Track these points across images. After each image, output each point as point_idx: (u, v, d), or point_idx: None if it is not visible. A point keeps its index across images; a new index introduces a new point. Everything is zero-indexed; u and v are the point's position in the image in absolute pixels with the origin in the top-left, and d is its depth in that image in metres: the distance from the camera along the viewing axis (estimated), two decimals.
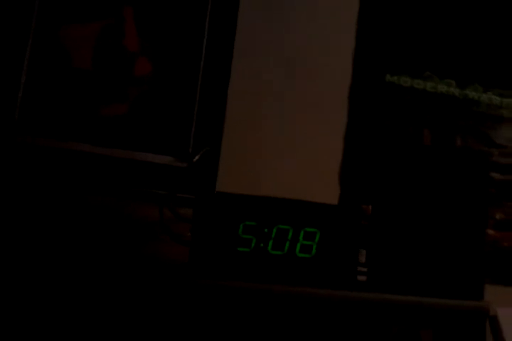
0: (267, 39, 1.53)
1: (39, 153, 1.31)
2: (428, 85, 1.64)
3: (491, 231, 1.66)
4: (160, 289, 0.99)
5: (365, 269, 1.08)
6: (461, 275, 1.03)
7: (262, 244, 1.09)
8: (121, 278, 1.00)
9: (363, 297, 0.98)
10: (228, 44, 1.50)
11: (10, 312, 0.86)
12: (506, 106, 1.70)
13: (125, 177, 1.36)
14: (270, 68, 1.53)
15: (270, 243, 1.09)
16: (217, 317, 1.03)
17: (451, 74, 1.66)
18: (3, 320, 0.85)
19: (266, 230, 1.09)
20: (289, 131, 1.53)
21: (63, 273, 0.93)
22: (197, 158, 1.26)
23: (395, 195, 1.30)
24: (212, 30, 1.49)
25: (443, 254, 1.05)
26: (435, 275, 1.04)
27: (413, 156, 1.55)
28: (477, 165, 1.19)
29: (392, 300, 0.97)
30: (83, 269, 0.98)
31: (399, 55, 1.63)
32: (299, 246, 1.10)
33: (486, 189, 1.11)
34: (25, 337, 0.88)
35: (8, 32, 1.32)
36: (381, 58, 1.61)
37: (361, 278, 1.08)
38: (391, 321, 0.96)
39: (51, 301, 0.90)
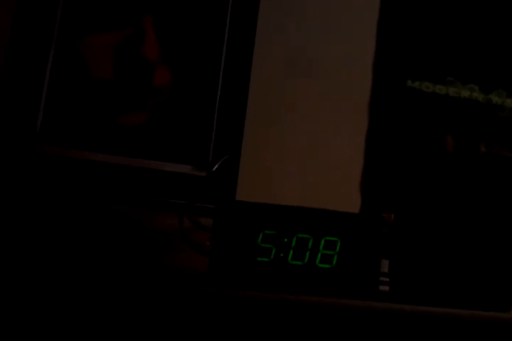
0: (285, 46, 1.52)
1: (59, 163, 1.32)
2: (450, 90, 1.61)
3: None
4: (179, 299, 0.98)
5: (387, 279, 1.05)
6: (488, 286, 1.00)
7: (281, 254, 1.07)
8: (141, 287, 1.00)
9: (386, 307, 0.96)
10: (247, 52, 1.50)
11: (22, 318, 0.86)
12: None
13: (144, 187, 1.36)
14: (290, 75, 1.52)
15: (290, 253, 1.08)
16: (238, 327, 1.01)
17: (474, 79, 1.63)
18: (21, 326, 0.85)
19: (286, 239, 1.08)
20: (310, 139, 1.52)
21: (83, 282, 0.93)
22: (216, 167, 1.25)
23: (417, 203, 1.28)
24: (232, 38, 1.49)
25: (468, 264, 1.03)
26: (460, 285, 1.01)
27: (436, 163, 1.52)
28: (503, 172, 1.16)
29: (415, 311, 0.95)
30: (104, 278, 0.98)
31: (420, 61, 1.61)
32: (319, 255, 1.08)
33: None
34: None
35: (31, 43, 1.33)
36: (402, 64, 1.59)
37: (384, 288, 1.06)
38: (414, 332, 0.94)
39: (69, 310, 0.89)
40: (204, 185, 1.37)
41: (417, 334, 0.93)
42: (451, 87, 1.61)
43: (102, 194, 1.31)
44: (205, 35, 1.47)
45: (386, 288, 1.04)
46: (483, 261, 1.03)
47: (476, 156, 1.57)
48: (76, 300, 0.90)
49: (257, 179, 1.44)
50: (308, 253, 1.08)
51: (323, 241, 1.08)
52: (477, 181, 1.39)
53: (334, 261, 1.07)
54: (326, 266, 1.07)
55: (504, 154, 1.61)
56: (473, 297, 1.00)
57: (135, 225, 1.32)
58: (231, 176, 1.41)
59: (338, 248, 1.08)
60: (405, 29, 1.60)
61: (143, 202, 1.34)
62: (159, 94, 1.43)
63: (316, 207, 1.11)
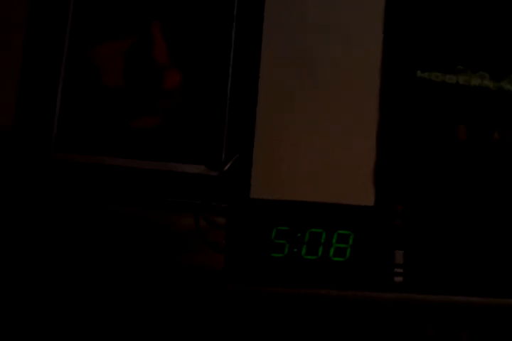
0: (292, 41, 1.53)
1: (75, 169, 1.35)
2: (461, 79, 1.60)
3: None
4: (196, 296, 1.00)
5: (401, 270, 1.06)
6: (503, 274, 1.00)
7: (295, 249, 1.09)
8: (159, 287, 1.02)
9: (400, 297, 0.96)
10: (255, 52, 1.51)
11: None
12: None
13: (159, 188, 1.39)
14: (298, 70, 1.53)
15: (304, 247, 1.09)
16: (256, 323, 1.03)
17: (484, 66, 1.62)
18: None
19: (299, 234, 1.09)
20: (321, 133, 1.53)
21: (100, 283, 0.95)
22: (228, 166, 1.27)
23: (431, 192, 1.28)
24: (239, 39, 1.50)
25: (483, 252, 1.03)
26: (476, 274, 1.01)
27: (450, 152, 1.52)
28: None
29: (430, 301, 0.95)
30: (121, 279, 1.00)
31: (429, 51, 1.60)
32: (332, 249, 1.09)
33: None
34: None
35: (44, 54, 1.37)
36: (411, 54, 1.59)
37: (398, 279, 1.06)
38: (428, 322, 0.94)
39: (87, 311, 0.92)
40: (217, 185, 1.39)
41: (431, 323, 0.94)
42: (462, 76, 1.60)
43: (118, 197, 1.34)
44: (212, 37, 1.49)
45: (400, 279, 1.05)
46: (497, 249, 1.02)
47: (490, 144, 1.56)
48: (96, 302, 0.93)
49: (270, 177, 1.46)
50: (321, 248, 1.09)
51: (335, 235, 1.09)
52: (491, 169, 1.39)
53: (348, 254, 1.08)
54: (340, 259, 1.08)
55: None
56: (488, 285, 1.00)
57: (152, 227, 1.34)
58: (244, 174, 1.43)
59: (351, 241, 1.09)
60: (413, 19, 1.60)
61: (159, 204, 1.36)
62: (170, 97, 1.45)
63: (327, 202, 1.13)
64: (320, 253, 1.09)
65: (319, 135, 1.52)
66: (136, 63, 1.44)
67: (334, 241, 1.09)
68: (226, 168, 1.27)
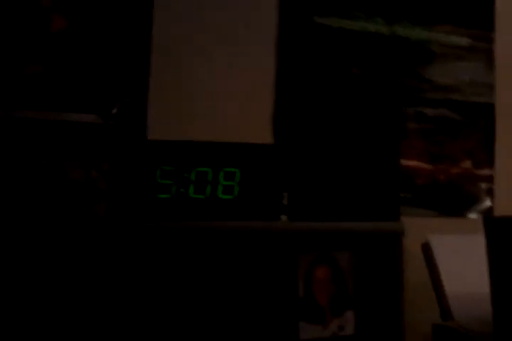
0: None
1: None
2: (356, 25, 1.62)
3: (427, 165, 1.67)
4: (88, 239, 0.99)
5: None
6: (378, 200, 1.04)
7: (182, 189, 1.08)
8: (54, 233, 1.01)
9: (280, 226, 0.98)
10: None
11: None
12: (435, 42, 1.69)
13: (53, 139, 1.34)
14: (195, 14, 1.49)
15: (191, 187, 1.09)
16: (146, 257, 1.02)
17: (378, 12, 1.64)
18: None
19: (185, 174, 1.08)
20: (220, 78, 1.51)
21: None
22: (115, 110, 1.24)
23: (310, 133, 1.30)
24: None
25: (359, 183, 1.06)
26: (355, 202, 1.04)
27: (343, 96, 1.54)
28: (388, 100, 1.19)
29: (308, 227, 0.98)
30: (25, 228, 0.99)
31: None
32: (220, 187, 1.09)
33: (397, 121, 1.12)
34: None
35: None
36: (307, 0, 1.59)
37: (284, 217, 1.08)
38: (309, 247, 0.97)
39: None
40: (110, 132, 1.36)
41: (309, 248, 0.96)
42: (358, 21, 1.61)
43: (12, 147, 1.27)
44: None
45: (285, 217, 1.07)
46: (372, 179, 1.06)
47: (365, 86, 1.59)
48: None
49: (170, 119, 1.43)
50: (209, 186, 1.09)
51: (222, 173, 1.09)
52: (367, 111, 1.41)
53: (236, 192, 1.09)
54: (228, 196, 1.09)
55: (410, 84, 1.64)
56: (367, 210, 1.03)
57: (46, 177, 1.29)
58: (139, 119, 1.39)
59: (237, 178, 1.09)
60: None
61: (50, 154, 1.31)
62: (58, 41, 1.39)
63: (213, 141, 1.12)
64: (208, 192, 1.09)
65: (218, 79, 1.50)
66: (21, 4, 1.36)
67: (221, 179, 1.09)
68: (113, 112, 1.23)
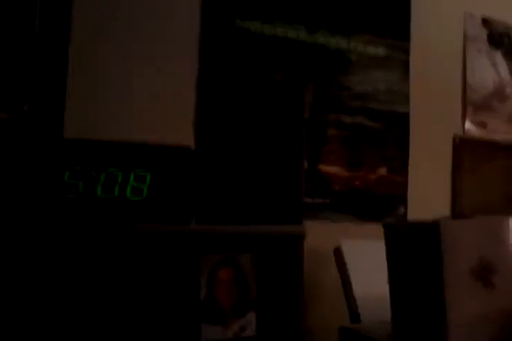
0: None
1: None
2: (278, 31, 1.64)
3: (344, 172, 1.71)
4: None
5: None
6: (282, 204, 1.05)
7: (90, 189, 1.06)
8: None
9: (184, 229, 0.98)
10: None
11: None
12: (353, 50, 1.73)
13: None
14: (114, 9, 1.47)
15: (99, 187, 1.06)
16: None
17: (300, 19, 1.67)
18: None
19: (94, 174, 1.06)
20: (144, 81, 1.49)
21: None
22: (26, 107, 1.20)
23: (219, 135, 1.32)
24: None
25: (266, 187, 1.07)
26: (259, 206, 1.05)
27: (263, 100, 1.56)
28: (293, 100, 1.21)
29: (212, 230, 0.98)
30: None
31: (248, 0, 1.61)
32: (129, 189, 1.08)
33: (300, 123, 1.14)
34: None
35: None
36: (230, 2, 1.59)
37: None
38: (209, 249, 0.97)
39: None
40: (20, 129, 1.31)
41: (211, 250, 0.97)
42: (279, 27, 1.64)
43: None
44: None
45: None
46: (277, 182, 1.07)
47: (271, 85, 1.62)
48: None
49: (86, 118, 1.40)
50: (117, 187, 1.07)
51: (132, 175, 1.08)
52: (272, 112, 1.42)
53: (145, 194, 1.08)
54: (137, 198, 1.08)
55: (328, 91, 1.67)
56: (271, 214, 1.04)
57: None
58: (54, 117, 1.36)
59: (148, 181, 1.08)
60: None
61: None
62: None
63: (125, 141, 1.10)
64: (116, 192, 1.07)
65: (142, 83, 1.48)
66: None
67: (131, 181, 1.08)
68: (25, 108, 1.19)
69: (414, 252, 1.00)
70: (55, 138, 1.31)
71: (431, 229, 0.95)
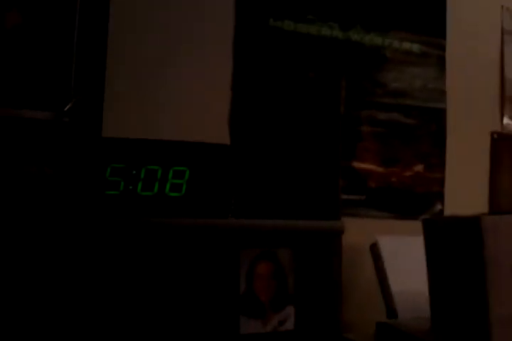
0: None
1: None
2: (311, 29, 1.65)
3: (379, 169, 1.71)
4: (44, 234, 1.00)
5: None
6: (320, 199, 1.06)
7: (130, 186, 1.09)
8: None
9: (224, 223, 1.00)
10: None
11: None
12: (388, 47, 1.73)
13: (6, 135, 1.32)
14: (150, 13, 1.50)
15: (139, 184, 1.09)
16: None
17: (333, 17, 1.68)
18: None
19: (134, 172, 1.09)
20: (180, 85, 1.51)
21: None
22: (68, 106, 1.23)
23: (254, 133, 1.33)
24: None
25: (304, 183, 1.08)
26: (298, 201, 1.07)
27: (300, 99, 1.57)
28: (329, 96, 1.22)
29: (251, 225, 1.00)
30: None
31: None
32: (168, 185, 1.10)
33: (337, 118, 1.14)
34: None
35: None
36: (263, 3, 1.61)
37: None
38: (249, 244, 0.99)
39: None
40: (63, 129, 1.35)
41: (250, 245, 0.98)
42: (312, 25, 1.64)
43: None
44: None
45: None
46: (315, 179, 1.08)
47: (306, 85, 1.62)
48: None
49: (127, 117, 1.43)
50: (157, 184, 1.10)
51: (171, 171, 1.10)
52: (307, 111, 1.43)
53: (183, 190, 1.10)
54: (176, 194, 1.10)
55: (363, 88, 1.67)
56: (309, 209, 1.06)
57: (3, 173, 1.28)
58: (93, 116, 1.39)
59: (186, 177, 1.10)
60: None
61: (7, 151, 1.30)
62: (12, 37, 1.38)
63: (164, 139, 1.13)
64: (156, 189, 1.10)
65: (174, 78, 1.51)
66: None
67: (170, 177, 1.10)
68: (66, 108, 1.23)
69: (454, 247, 1.00)
70: (96, 137, 1.35)
71: (471, 224, 0.94)
